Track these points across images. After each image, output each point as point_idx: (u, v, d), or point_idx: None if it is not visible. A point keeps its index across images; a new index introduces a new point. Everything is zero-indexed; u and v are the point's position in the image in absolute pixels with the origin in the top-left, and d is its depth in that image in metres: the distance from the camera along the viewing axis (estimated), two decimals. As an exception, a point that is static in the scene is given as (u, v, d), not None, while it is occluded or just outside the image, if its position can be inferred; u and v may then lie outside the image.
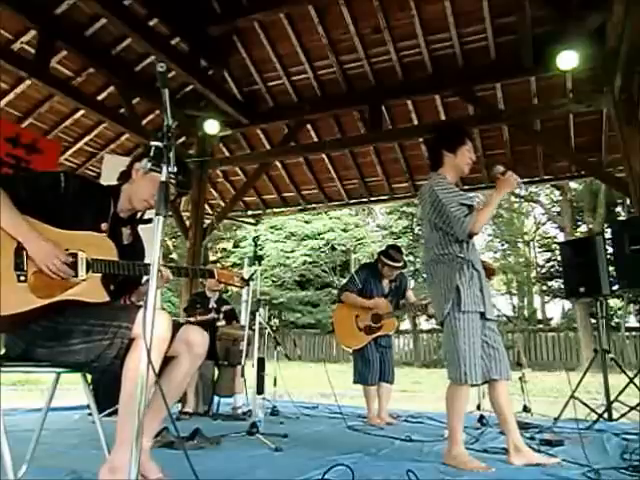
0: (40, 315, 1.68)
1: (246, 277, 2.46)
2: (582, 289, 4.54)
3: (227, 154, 7.34)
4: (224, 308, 4.81)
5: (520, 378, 4.50)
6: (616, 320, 16.40)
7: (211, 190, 7.84)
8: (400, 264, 4.24)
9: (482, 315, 2.58)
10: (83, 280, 1.75)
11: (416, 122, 6.21)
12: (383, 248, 4.48)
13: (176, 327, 1.83)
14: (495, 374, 2.55)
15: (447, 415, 2.55)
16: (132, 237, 2.05)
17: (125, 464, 1.38)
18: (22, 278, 1.66)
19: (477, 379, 2.51)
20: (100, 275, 1.79)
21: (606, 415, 4.11)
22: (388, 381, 4.20)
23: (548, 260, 20.51)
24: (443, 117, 6.10)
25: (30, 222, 1.69)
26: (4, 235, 1.65)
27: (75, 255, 1.75)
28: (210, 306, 4.80)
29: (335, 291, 20.84)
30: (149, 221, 2.06)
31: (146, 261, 1.94)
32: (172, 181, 1.70)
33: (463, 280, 2.54)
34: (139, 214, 2.06)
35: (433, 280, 2.67)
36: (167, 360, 1.81)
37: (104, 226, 1.88)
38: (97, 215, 1.88)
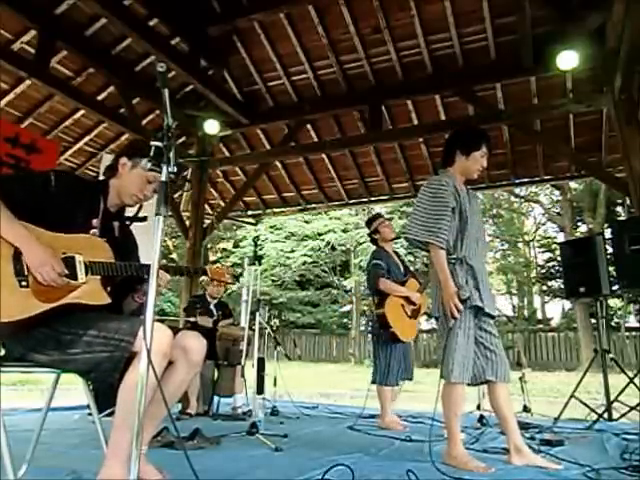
0: (44, 319, 1.66)
1: (245, 276, 2.49)
2: (582, 289, 4.54)
3: (227, 154, 7.34)
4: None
5: (520, 378, 4.50)
6: (616, 320, 16.40)
7: (211, 190, 7.84)
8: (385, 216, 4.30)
9: (479, 311, 2.57)
10: (83, 283, 1.75)
11: (416, 122, 6.21)
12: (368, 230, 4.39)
13: (174, 333, 1.81)
14: (490, 375, 2.55)
15: (443, 415, 2.55)
16: (122, 230, 2.04)
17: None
18: (23, 283, 1.64)
19: (465, 379, 2.51)
20: (99, 277, 1.79)
21: (606, 415, 4.11)
22: (410, 378, 4.10)
23: (548, 260, 20.52)
24: (443, 117, 6.10)
25: (26, 227, 1.67)
26: (2, 241, 1.63)
27: (72, 258, 1.74)
28: (209, 308, 4.81)
29: (335, 291, 20.90)
30: (144, 219, 2.06)
31: (146, 261, 1.94)
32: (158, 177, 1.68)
33: (456, 280, 2.54)
34: (136, 209, 2.06)
35: (433, 277, 2.69)
36: None
37: (95, 222, 1.87)
38: (88, 212, 1.87)
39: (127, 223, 2.08)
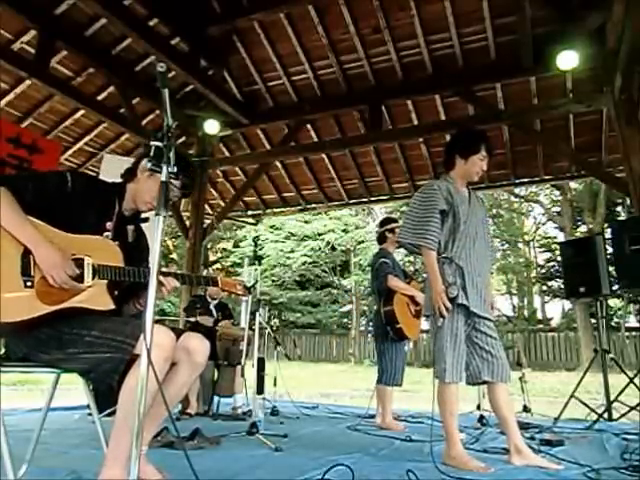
0: (46, 320, 1.66)
1: (247, 282, 2.47)
2: (582, 289, 4.54)
3: (227, 154, 7.34)
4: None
5: (520, 378, 4.51)
6: (616, 320, 16.40)
7: (211, 190, 7.84)
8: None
9: (469, 312, 2.58)
10: (89, 286, 1.73)
11: (416, 122, 6.21)
12: (379, 231, 4.39)
13: (178, 334, 1.81)
14: (486, 376, 2.56)
15: (440, 415, 2.55)
16: (136, 234, 2.04)
17: None
18: (28, 284, 1.63)
19: (458, 378, 2.53)
20: (106, 281, 1.78)
21: (606, 415, 4.11)
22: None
23: (548, 260, 20.51)
24: (443, 117, 6.10)
25: (37, 226, 1.66)
26: (10, 239, 1.62)
27: (81, 260, 1.73)
28: (209, 308, 4.82)
29: (335, 291, 20.90)
30: (146, 220, 2.05)
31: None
32: (175, 183, 1.69)
33: (445, 279, 2.56)
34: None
35: (426, 278, 2.73)
36: None
37: (109, 225, 1.86)
38: (102, 214, 1.86)
39: (140, 226, 2.07)
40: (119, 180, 2.00)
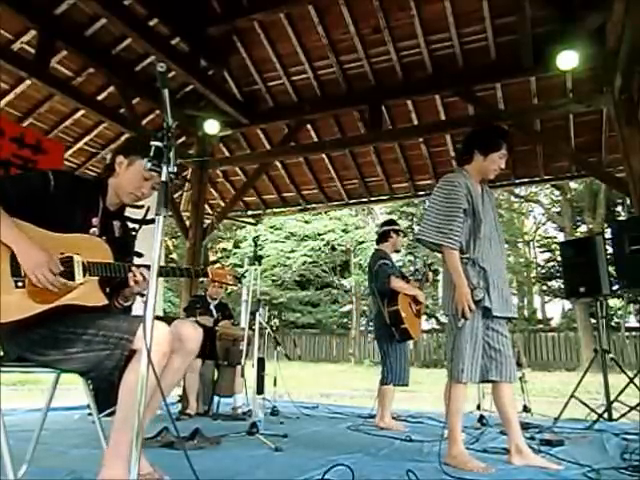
0: (40, 320, 1.65)
1: (246, 276, 2.46)
2: (582, 289, 4.54)
3: (227, 154, 7.34)
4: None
5: (520, 378, 4.50)
6: (616, 320, 16.40)
7: (211, 190, 7.84)
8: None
9: (487, 312, 2.56)
10: (81, 284, 1.73)
11: (416, 122, 6.21)
12: (384, 229, 4.39)
13: (169, 322, 1.81)
14: (494, 375, 2.55)
15: (446, 414, 2.55)
16: (122, 230, 2.03)
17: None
18: (19, 284, 1.63)
19: (475, 378, 2.52)
20: (97, 278, 1.78)
21: (606, 415, 4.11)
22: None
23: (548, 260, 20.52)
24: (443, 117, 6.10)
25: (23, 227, 1.65)
26: None
27: (71, 259, 1.73)
28: (210, 308, 4.82)
29: (335, 291, 20.91)
30: (152, 221, 2.04)
31: (145, 260, 1.93)
32: (155, 174, 1.66)
33: (469, 281, 2.53)
34: (145, 212, 2.04)
35: (444, 277, 2.69)
36: None
37: (95, 221, 1.86)
38: (87, 210, 1.86)
39: (137, 226, 2.06)
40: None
